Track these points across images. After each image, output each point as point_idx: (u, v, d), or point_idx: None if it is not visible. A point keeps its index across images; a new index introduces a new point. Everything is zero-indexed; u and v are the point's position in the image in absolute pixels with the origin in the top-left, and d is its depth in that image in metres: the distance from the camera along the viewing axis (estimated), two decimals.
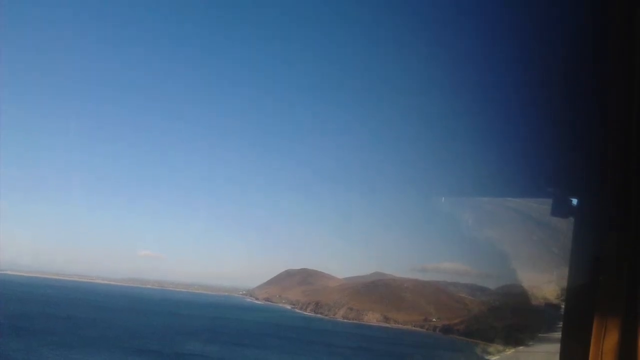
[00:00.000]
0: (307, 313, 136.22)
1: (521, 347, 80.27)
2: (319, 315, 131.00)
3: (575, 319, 2.14)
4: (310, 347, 76.07)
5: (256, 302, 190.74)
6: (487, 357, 77.12)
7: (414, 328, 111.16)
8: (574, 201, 2.31)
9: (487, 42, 3.07)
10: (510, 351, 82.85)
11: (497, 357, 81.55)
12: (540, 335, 77.55)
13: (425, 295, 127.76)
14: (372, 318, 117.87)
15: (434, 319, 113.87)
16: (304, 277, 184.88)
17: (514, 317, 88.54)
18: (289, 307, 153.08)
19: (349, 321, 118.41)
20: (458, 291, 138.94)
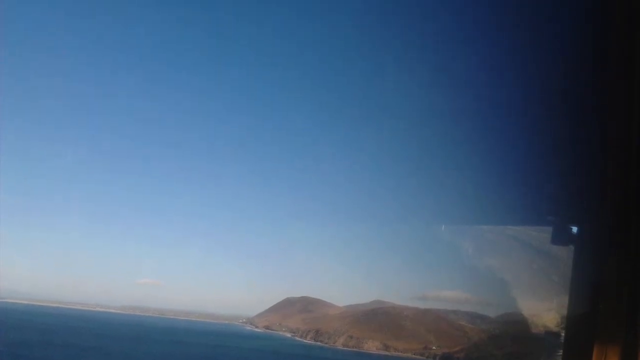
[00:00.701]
0: (307, 341, 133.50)
1: None
2: (318, 343, 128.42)
3: (575, 346, 2.13)
4: None
5: (256, 330, 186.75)
6: None
7: (414, 356, 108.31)
8: (574, 229, 2.32)
9: (487, 69, 3.08)
10: None
11: None
12: None
13: (425, 323, 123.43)
14: (372, 346, 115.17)
15: (434, 347, 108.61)
16: (305, 305, 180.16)
17: (514, 344, 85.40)
18: (289, 335, 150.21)
19: (349, 349, 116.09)
20: (458, 319, 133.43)
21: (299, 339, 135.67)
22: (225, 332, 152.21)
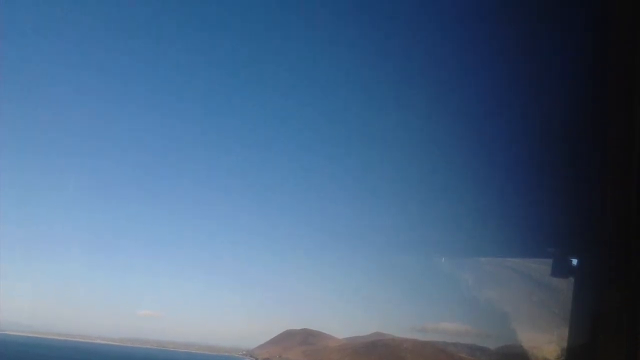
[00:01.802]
0: None
1: None
2: None
3: None
4: None
5: None
6: None
7: None
8: (573, 260, 2.30)
9: (486, 97, 3.06)
10: None
11: None
12: None
13: (424, 355, 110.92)
14: None
15: None
16: (305, 337, 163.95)
17: None
18: None
19: None
20: (458, 351, 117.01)
21: None
22: None
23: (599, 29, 2.11)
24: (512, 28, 2.78)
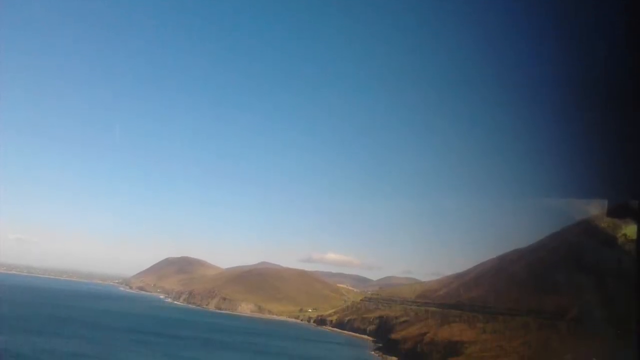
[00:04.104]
0: (179, 303, 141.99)
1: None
2: (191, 306, 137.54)
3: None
4: (149, 338, 77.75)
5: (130, 291, 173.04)
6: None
7: (288, 319, 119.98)
8: (632, 202, 2.29)
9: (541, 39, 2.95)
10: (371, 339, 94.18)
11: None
12: (405, 319, 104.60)
13: (304, 285, 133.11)
14: (246, 308, 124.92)
15: (310, 310, 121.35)
16: (183, 265, 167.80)
17: (385, 308, 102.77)
18: (162, 296, 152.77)
19: (221, 311, 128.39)
20: (340, 281, 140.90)
21: (170, 300, 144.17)
22: (93, 293, 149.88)
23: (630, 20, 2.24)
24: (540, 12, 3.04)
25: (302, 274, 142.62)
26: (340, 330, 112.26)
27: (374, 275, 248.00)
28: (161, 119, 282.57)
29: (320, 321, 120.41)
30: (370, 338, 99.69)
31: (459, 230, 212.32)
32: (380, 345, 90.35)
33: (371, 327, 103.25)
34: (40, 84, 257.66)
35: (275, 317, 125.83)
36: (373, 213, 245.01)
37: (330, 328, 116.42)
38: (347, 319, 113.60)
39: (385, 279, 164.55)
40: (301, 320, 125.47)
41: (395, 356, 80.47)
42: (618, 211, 2.68)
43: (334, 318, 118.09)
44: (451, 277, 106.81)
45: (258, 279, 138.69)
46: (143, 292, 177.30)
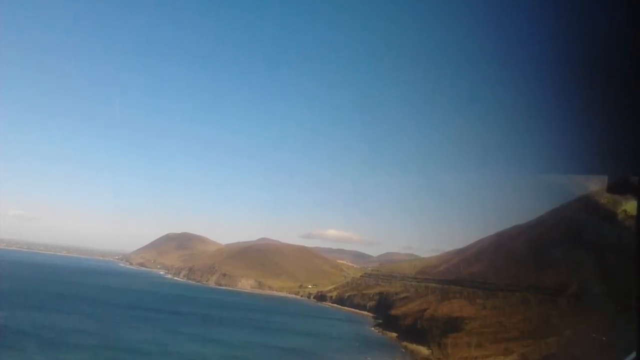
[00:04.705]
0: (180, 279, 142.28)
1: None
2: (191, 282, 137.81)
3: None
4: (149, 314, 77.48)
5: (130, 267, 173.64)
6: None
7: (288, 295, 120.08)
8: (632, 178, 2.27)
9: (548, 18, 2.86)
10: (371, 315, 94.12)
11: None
12: (405, 295, 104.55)
13: (304, 261, 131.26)
14: (246, 284, 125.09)
15: (310, 286, 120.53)
16: (183, 241, 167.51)
17: (385, 285, 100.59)
18: (162, 272, 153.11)
19: (221, 287, 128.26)
20: (340, 257, 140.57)
21: (170, 276, 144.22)
22: (93, 269, 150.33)
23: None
24: None
25: (302, 250, 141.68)
26: (340, 306, 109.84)
27: (374, 252, 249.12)
28: (161, 94, 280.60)
29: (320, 297, 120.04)
30: (370, 314, 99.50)
31: (459, 206, 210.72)
32: (380, 321, 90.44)
33: (371, 303, 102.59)
34: (39, 59, 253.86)
35: (275, 293, 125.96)
36: (373, 189, 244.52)
37: (330, 304, 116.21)
38: (347, 295, 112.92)
39: (385, 255, 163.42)
40: (301, 296, 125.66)
41: (395, 332, 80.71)
42: (618, 187, 2.68)
43: (334, 294, 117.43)
44: (451, 253, 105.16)
45: (258, 255, 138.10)
46: (143, 268, 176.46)
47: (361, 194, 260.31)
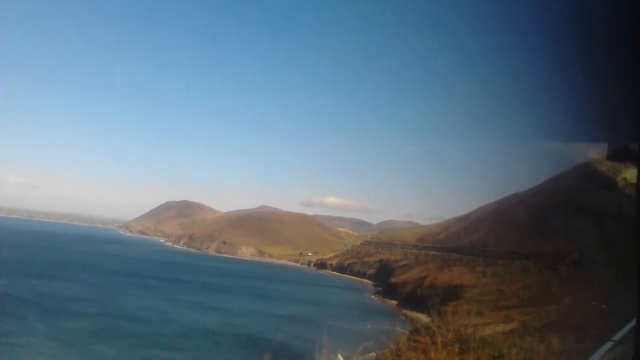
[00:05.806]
0: (180, 247, 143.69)
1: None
2: (191, 249, 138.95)
3: None
4: (145, 282, 77.96)
5: (130, 234, 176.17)
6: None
7: (288, 263, 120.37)
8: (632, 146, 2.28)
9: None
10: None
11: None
12: (405, 263, 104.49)
13: (304, 228, 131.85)
14: (246, 252, 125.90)
15: (310, 254, 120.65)
16: (183, 209, 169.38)
17: (385, 252, 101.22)
18: (162, 240, 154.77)
19: (221, 255, 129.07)
20: (340, 225, 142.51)
21: (170, 244, 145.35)
22: (93, 237, 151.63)
23: None
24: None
25: (302, 217, 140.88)
26: (340, 274, 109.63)
27: (374, 219, 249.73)
28: (161, 62, 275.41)
29: (321, 265, 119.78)
30: (370, 282, 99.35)
31: (459, 173, 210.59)
32: (380, 289, 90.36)
33: (371, 271, 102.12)
34: (39, 26, 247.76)
35: (275, 260, 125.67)
36: (373, 157, 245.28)
37: (330, 272, 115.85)
38: (347, 262, 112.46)
39: (386, 222, 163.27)
40: (301, 264, 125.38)
41: (395, 300, 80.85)
42: (618, 155, 2.66)
43: (334, 262, 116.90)
44: (451, 221, 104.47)
45: (258, 223, 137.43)
46: (143, 236, 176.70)
47: (361, 161, 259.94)
